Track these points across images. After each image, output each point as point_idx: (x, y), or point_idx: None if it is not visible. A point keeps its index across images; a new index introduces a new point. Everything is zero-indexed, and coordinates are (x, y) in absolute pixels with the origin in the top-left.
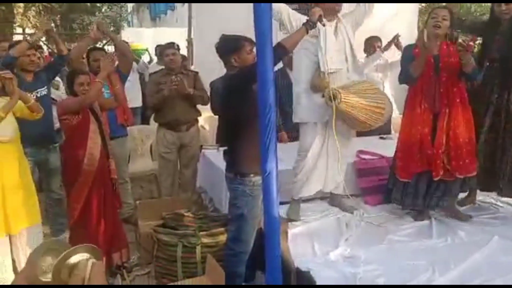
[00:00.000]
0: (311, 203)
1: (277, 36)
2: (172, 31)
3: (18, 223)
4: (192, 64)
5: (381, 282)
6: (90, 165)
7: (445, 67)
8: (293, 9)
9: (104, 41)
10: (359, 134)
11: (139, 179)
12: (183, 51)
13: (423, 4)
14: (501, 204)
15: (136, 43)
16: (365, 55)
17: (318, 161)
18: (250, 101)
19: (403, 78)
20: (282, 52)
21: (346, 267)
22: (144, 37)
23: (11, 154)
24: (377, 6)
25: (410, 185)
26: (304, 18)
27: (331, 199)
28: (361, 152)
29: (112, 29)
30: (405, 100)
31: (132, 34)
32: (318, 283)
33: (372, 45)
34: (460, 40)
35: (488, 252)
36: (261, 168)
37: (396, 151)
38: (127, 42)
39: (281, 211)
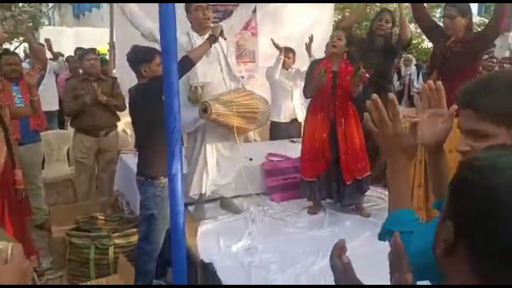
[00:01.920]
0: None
1: None
2: (96, 32)
3: None
4: (114, 68)
5: (273, 268)
6: None
7: (341, 83)
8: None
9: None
10: (272, 138)
11: (55, 184)
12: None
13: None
14: (385, 198)
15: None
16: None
17: (202, 166)
18: (159, 110)
19: (304, 93)
20: (189, 64)
21: (245, 257)
22: (64, 37)
23: None
24: (294, 14)
25: (316, 184)
26: (182, 37)
27: (222, 202)
28: (270, 154)
29: (30, 25)
30: (307, 107)
31: (52, 33)
32: (218, 273)
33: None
34: (359, 72)
35: (362, 239)
36: (167, 171)
37: (301, 153)
38: (43, 44)
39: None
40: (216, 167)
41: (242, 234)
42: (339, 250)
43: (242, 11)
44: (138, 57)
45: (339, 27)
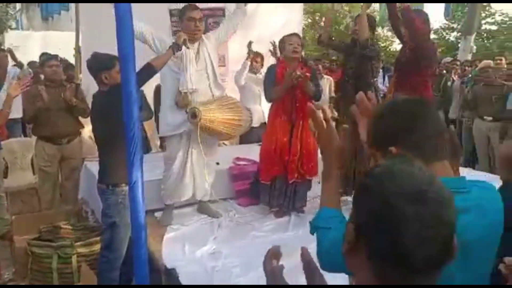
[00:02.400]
0: (190, 208)
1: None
2: (63, 36)
3: None
4: (80, 73)
5: (236, 271)
6: None
7: (300, 87)
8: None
9: None
10: (241, 142)
11: (19, 193)
12: (72, 59)
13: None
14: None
15: None
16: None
17: (185, 170)
18: (119, 117)
19: (267, 97)
20: (151, 71)
21: (208, 261)
22: (31, 41)
23: None
24: (263, 18)
25: (273, 187)
26: (168, 39)
27: (199, 206)
28: (237, 159)
29: None
30: (269, 111)
31: (18, 37)
32: (181, 278)
33: (252, 59)
34: (298, 73)
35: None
36: (127, 178)
37: (259, 157)
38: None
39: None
40: (201, 172)
41: (207, 239)
42: (272, 255)
43: (229, 23)
44: (98, 64)
45: (321, 39)
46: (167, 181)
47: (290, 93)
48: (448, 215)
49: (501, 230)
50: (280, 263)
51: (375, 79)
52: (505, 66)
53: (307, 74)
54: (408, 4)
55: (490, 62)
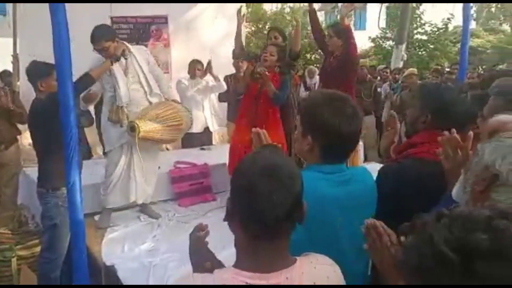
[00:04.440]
0: (129, 210)
1: None
2: (1, 42)
3: None
4: (18, 81)
5: (172, 266)
6: None
7: (264, 92)
8: None
9: None
10: (183, 146)
11: None
12: (9, 66)
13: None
14: None
15: None
16: (189, 76)
17: (126, 176)
18: (56, 123)
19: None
20: (89, 80)
21: (146, 258)
22: None
23: None
24: (206, 25)
25: None
26: None
27: (142, 207)
28: (177, 162)
29: None
30: (227, 115)
31: None
32: (119, 274)
33: (193, 67)
34: (258, 69)
35: None
36: (66, 180)
37: (228, 154)
38: None
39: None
40: (143, 176)
41: (146, 238)
42: (198, 228)
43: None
44: (36, 72)
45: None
46: (108, 187)
47: (253, 96)
48: (294, 187)
49: (374, 196)
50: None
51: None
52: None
53: (267, 73)
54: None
55: (414, 70)
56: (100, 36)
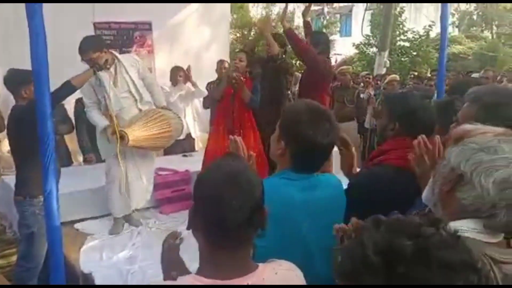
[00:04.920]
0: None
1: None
2: None
3: None
4: None
5: (150, 273)
6: None
7: (238, 96)
8: None
9: None
10: (166, 153)
11: None
12: None
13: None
14: None
15: None
16: (170, 83)
17: (124, 184)
18: (35, 131)
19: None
20: (70, 89)
21: (124, 265)
22: None
23: None
24: (190, 32)
25: None
26: None
27: (124, 216)
28: (159, 169)
29: None
30: (210, 120)
31: None
32: (97, 282)
33: (175, 74)
34: (233, 75)
35: None
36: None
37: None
38: None
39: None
40: (140, 183)
41: (125, 246)
42: (172, 236)
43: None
44: (17, 79)
45: (245, 49)
46: (112, 195)
47: (229, 101)
48: (253, 192)
49: (342, 201)
50: (196, 264)
51: (288, 91)
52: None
53: (242, 79)
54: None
55: (396, 76)
56: (88, 47)
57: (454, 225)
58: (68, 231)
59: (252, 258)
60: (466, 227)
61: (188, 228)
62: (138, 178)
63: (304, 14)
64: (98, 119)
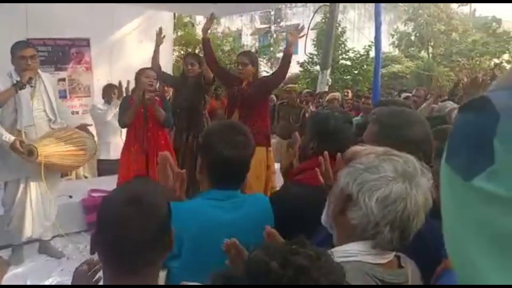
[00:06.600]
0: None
1: None
2: None
3: None
4: None
5: None
6: None
7: (151, 116)
8: None
9: None
10: (100, 174)
11: None
12: None
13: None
14: None
15: None
16: (104, 100)
17: (24, 209)
18: None
19: (121, 122)
20: None
21: None
22: None
23: None
24: (131, 48)
25: None
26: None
27: (40, 246)
28: (92, 190)
29: None
30: (124, 142)
31: None
32: None
33: (109, 92)
34: (147, 96)
35: None
36: None
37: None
38: None
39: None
40: (41, 208)
41: (53, 273)
42: (86, 263)
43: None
44: None
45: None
46: (11, 222)
47: (141, 121)
48: (157, 214)
49: (270, 218)
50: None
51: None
52: (351, 98)
53: (156, 98)
54: None
55: (337, 94)
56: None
57: (344, 249)
58: None
59: (167, 279)
60: (355, 251)
61: (91, 253)
62: (40, 204)
63: (203, 31)
64: (3, 132)
